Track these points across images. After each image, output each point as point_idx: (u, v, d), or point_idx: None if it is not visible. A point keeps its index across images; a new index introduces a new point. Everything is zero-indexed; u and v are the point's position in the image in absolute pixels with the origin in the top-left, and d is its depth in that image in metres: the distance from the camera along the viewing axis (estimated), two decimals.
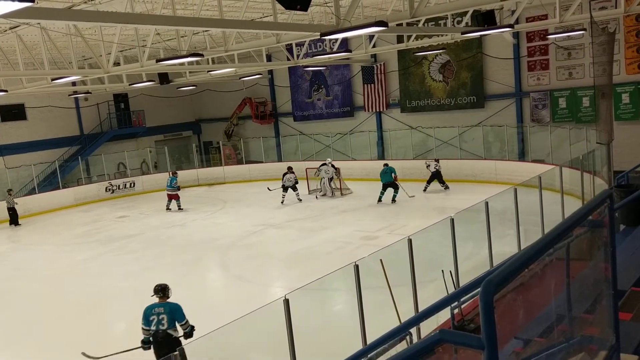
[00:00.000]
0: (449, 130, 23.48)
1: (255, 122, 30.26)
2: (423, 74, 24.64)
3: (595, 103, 16.11)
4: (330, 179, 20.91)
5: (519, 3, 15.42)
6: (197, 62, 19.32)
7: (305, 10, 8.05)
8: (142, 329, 7.66)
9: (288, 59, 20.69)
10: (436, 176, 20.02)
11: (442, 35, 18.48)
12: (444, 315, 6.86)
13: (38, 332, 10.60)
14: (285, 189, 20.37)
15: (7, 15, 5.98)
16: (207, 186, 26.50)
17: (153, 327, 7.54)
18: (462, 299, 6.89)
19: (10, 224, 21.20)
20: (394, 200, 18.90)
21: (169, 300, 7.75)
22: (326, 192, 20.91)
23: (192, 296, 11.59)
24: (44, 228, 20.86)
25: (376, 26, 8.94)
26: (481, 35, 18.90)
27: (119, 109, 30.14)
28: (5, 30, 14.76)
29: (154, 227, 18.77)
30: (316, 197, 20.90)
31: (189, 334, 7.57)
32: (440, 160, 20.37)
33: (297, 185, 20.48)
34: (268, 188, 21.56)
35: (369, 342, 6.62)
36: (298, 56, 20.41)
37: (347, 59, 24.05)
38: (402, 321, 7.16)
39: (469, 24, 16.75)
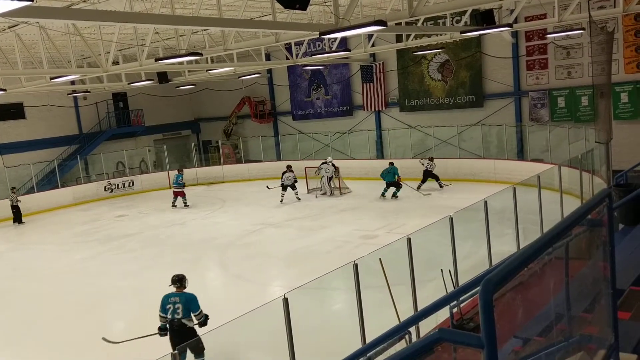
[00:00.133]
0: (448, 130, 23.49)
1: (254, 121, 30.25)
2: (422, 73, 24.65)
3: (594, 102, 16.12)
4: (330, 178, 20.92)
5: (518, 2, 15.42)
6: (196, 61, 19.31)
7: (304, 9, 8.05)
8: (160, 316, 7.95)
9: (287, 58, 20.68)
10: (429, 175, 20.06)
11: (441, 35, 18.48)
12: (443, 314, 6.87)
13: (37, 332, 10.60)
14: (284, 187, 20.38)
15: (6, 14, 5.98)
16: (206, 185, 26.49)
17: (169, 316, 7.83)
18: (461, 298, 6.90)
19: (14, 222, 21.26)
20: (395, 196, 19.15)
21: (185, 290, 8.00)
22: (326, 191, 20.92)
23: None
24: (42, 227, 20.85)
25: (375, 25, 8.94)
26: (480, 35, 18.89)
27: (117, 108, 30.11)
28: (4, 30, 14.74)
29: (152, 226, 18.77)
30: (316, 196, 20.91)
31: (203, 323, 7.82)
32: (434, 159, 20.40)
33: (296, 184, 20.48)
34: (267, 186, 21.56)
35: (368, 341, 6.63)
36: (297, 55, 20.41)
37: (346, 58, 24.06)
38: (401, 320, 7.17)
39: (468, 23, 16.75)
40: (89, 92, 25.65)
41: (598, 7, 18.36)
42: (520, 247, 10.40)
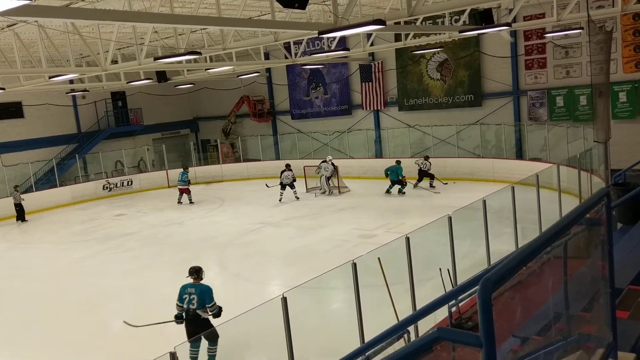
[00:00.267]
0: (447, 129, 23.50)
1: (253, 120, 30.24)
2: (421, 72, 24.65)
3: (592, 101, 16.13)
4: (329, 177, 20.92)
5: (517, 2, 15.41)
6: (195, 60, 19.31)
7: (303, 8, 8.05)
8: (177, 305, 8.25)
9: (286, 57, 20.68)
10: (424, 174, 20.13)
11: (439, 34, 18.47)
12: (442, 313, 6.88)
13: (37, 331, 10.59)
14: (283, 186, 20.38)
15: (4, 13, 5.98)
16: (204, 184, 26.47)
17: (185, 305, 8.12)
18: (459, 297, 6.93)
19: (17, 219, 21.34)
20: (401, 192, 19.63)
21: (202, 282, 8.28)
22: (325, 190, 20.93)
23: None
24: (41, 226, 20.83)
25: (374, 24, 8.94)
26: (479, 34, 18.87)
27: (116, 107, 30.10)
28: (3, 28, 14.72)
29: (151, 225, 18.76)
30: (315, 196, 20.91)
31: (216, 315, 8.05)
32: (429, 158, 20.45)
33: (294, 183, 20.48)
34: (266, 185, 21.58)
35: (366, 340, 6.64)
36: (296, 54, 20.41)
37: (345, 57, 24.05)
38: (400, 319, 7.18)
39: (467, 22, 16.75)
40: (88, 91, 25.63)
41: (597, 7, 18.37)
42: (519, 246, 10.41)
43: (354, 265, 7.02)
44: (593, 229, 3.30)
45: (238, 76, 25.20)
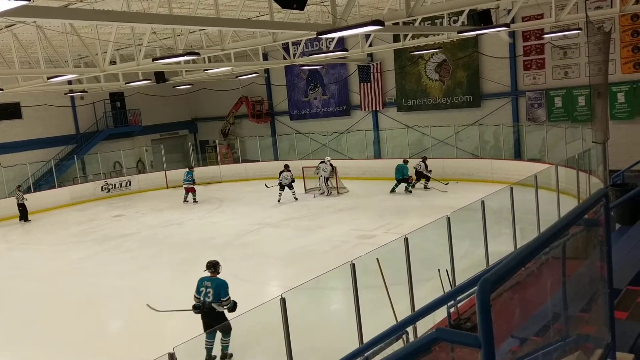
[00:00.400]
0: (445, 129, 23.51)
1: (252, 121, 30.23)
2: (419, 73, 24.66)
3: (590, 102, 16.16)
4: (327, 178, 20.92)
5: (515, 2, 15.44)
6: (194, 61, 19.29)
7: (302, 9, 8.05)
8: (194, 296, 8.50)
9: (284, 58, 20.67)
10: (421, 175, 20.20)
11: (438, 35, 18.49)
12: (441, 314, 6.88)
13: (36, 332, 10.57)
14: (281, 187, 20.38)
15: (2, 14, 5.97)
16: (203, 185, 26.43)
17: (201, 298, 8.37)
18: (458, 298, 6.93)
19: (20, 219, 21.42)
20: (407, 190, 19.92)
21: (218, 276, 8.52)
22: (324, 191, 20.93)
23: (188, 295, 11.59)
24: (39, 227, 20.82)
25: (372, 25, 8.94)
26: (477, 35, 18.91)
27: (115, 107, 30.08)
28: (1, 29, 14.70)
29: (150, 226, 18.75)
30: (314, 196, 20.90)
31: (231, 309, 8.28)
32: (427, 159, 20.51)
33: (293, 183, 20.48)
34: (265, 184, 21.59)
35: (365, 340, 6.64)
36: (294, 55, 20.41)
37: (344, 58, 24.06)
38: (399, 320, 7.18)
39: (465, 23, 16.77)
40: (86, 91, 25.59)
41: (595, 7, 18.39)
42: (518, 247, 10.42)
43: (353, 266, 7.02)
44: (591, 229, 3.30)
45: (236, 77, 25.19)
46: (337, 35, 12.24)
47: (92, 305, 11.66)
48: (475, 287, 2.16)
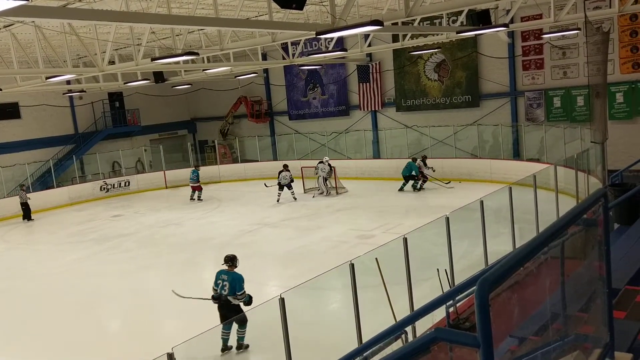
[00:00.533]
0: (444, 129, 23.52)
1: (251, 120, 30.21)
2: (418, 73, 24.66)
3: (589, 102, 16.15)
4: (326, 179, 20.92)
5: (514, 2, 15.45)
6: (193, 61, 19.29)
7: (301, 9, 8.04)
8: (213, 288, 8.80)
9: (283, 58, 20.67)
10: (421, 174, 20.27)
11: (437, 35, 18.49)
12: (439, 313, 6.88)
13: (34, 332, 10.56)
14: (280, 187, 20.37)
15: (1, 14, 5.96)
16: (202, 185, 26.44)
17: (219, 290, 8.67)
18: (457, 298, 6.93)
19: (24, 218, 21.50)
20: (416, 188, 20.08)
21: (235, 270, 8.78)
22: (323, 191, 20.93)
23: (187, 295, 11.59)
24: (38, 227, 20.81)
25: (371, 25, 8.94)
26: (476, 35, 18.92)
27: (113, 107, 30.05)
28: (0, 29, 14.68)
29: (148, 226, 18.74)
30: (313, 196, 20.90)
31: (247, 303, 8.56)
32: (427, 159, 20.53)
33: (292, 183, 20.48)
34: (265, 184, 21.60)
35: (364, 340, 6.63)
36: (293, 55, 20.41)
37: (343, 57, 24.05)
38: (398, 320, 7.18)
39: (464, 23, 16.77)
40: (85, 91, 25.58)
41: (594, 8, 18.41)
42: (516, 247, 10.42)
43: (352, 265, 7.02)
44: (590, 229, 3.31)
45: (236, 77, 25.19)
46: (336, 35, 12.24)
47: (91, 305, 11.65)
48: (474, 287, 2.16)
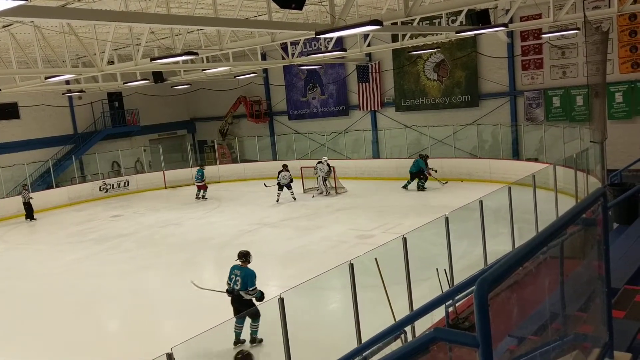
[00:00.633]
0: (444, 129, 23.52)
1: (250, 120, 30.20)
2: (418, 72, 24.67)
3: (588, 102, 16.17)
4: (325, 178, 20.92)
5: (513, 2, 15.46)
6: (192, 61, 19.27)
7: (300, 9, 8.04)
8: (227, 282, 9.03)
9: (283, 58, 20.66)
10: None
11: (436, 34, 18.49)
12: (439, 313, 6.89)
13: (34, 332, 10.56)
14: (280, 187, 20.37)
15: (0, 14, 5.96)
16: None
17: (232, 285, 8.91)
18: (456, 298, 6.92)
19: (26, 218, 21.57)
20: (420, 188, 20.02)
21: (248, 265, 8.99)
22: (322, 191, 20.93)
23: (187, 295, 11.60)
24: (37, 227, 20.81)
25: (371, 25, 8.94)
26: (475, 35, 18.92)
27: (113, 107, 30.04)
28: None
29: (148, 226, 18.73)
30: (312, 196, 20.90)
31: (259, 299, 8.74)
32: (427, 159, 20.56)
33: (291, 183, 20.48)
34: (265, 184, 21.60)
35: (363, 340, 6.63)
36: (293, 55, 20.40)
37: (342, 57, 24.05)
38: (397, 320, 7.18)
39: (464, 23, 16.79)
40: (84, 91, 25.56)
41: (593, 7, 18.41)
42: (516, 247, 10.43)
43: (351, 265, 7.02)
44: (589, 229, 3.31)
45: (235, 77, 25.17)
46: (335, 35, 12.25)
47: (90, 305, 11.65)
48: (473, 287, 2.16)
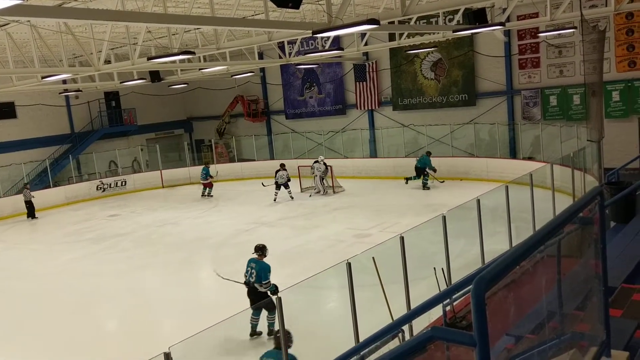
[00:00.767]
0: (441, 128, 23.54)
1: (247, 120, 30.18)
2: (415, 72, 24.67)
3: (585, 101, 16.19)
4: (322, 178, 20.92)
5: (510, 1, 15.44)
6: (189, 60, 19.25)
7: (297, 8, 8.04)
8: (244, 274, 9.25)
9: (280, 57, 20.65)
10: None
11: (433, 33, 18.50)
12: (436, 312, 6.89)
13: (31, 331, 10.54)
14: (277, 186, 20.36)
15: None
16: (199, 184, 26.40)
17: (247, 277, 9.16)
18: (453, 297, 6.93)
19: (28, 217, 21.64)
20: (425, 186, 20.15)
21: (264, 259, 9.20)
22: (320, 190, 20.93)
23: (184, 294, 11.63)
24: (35, 227, 20.77)
25: (368, 24, 8.94)
26: (472, 33, 18.90)
27: (110, 107, 29.98)
28: None
29: (145, 226, 18.71)
30: (310, 196, 20.89)
31: (272, 292, 8.90)
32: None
33: (289, 182, 20.47)
34: (262, 183, 21.60)
35: (361, 339, 6.64)
36: (290, 54, 20.38)
37: (339, 57, 24.05)
38: (395, 319, 7.18)
39: (461, 22, 16.78)
40: (81, 91, 25.50)
41: (590, 6, 18.43)
42: (513, 245, 10.44)
43: (349, 264, 7.02)
44: (586, 227, 3.31)
45: (232, 76, 25.14)
46: (332, 34, 12.25)
47: (88, 305, 11.64)
48: (471, 286, 2.16)
